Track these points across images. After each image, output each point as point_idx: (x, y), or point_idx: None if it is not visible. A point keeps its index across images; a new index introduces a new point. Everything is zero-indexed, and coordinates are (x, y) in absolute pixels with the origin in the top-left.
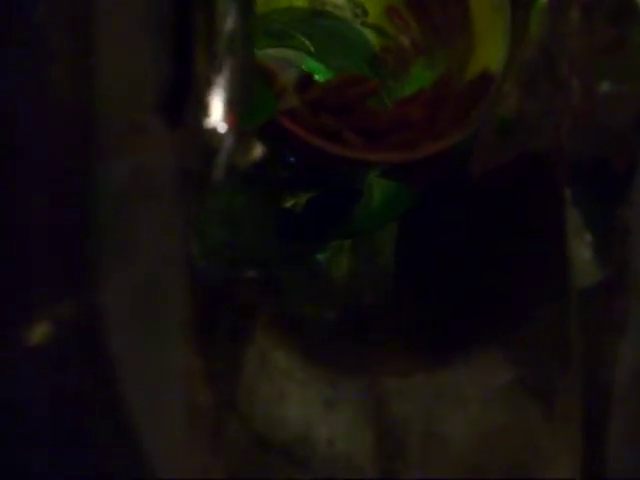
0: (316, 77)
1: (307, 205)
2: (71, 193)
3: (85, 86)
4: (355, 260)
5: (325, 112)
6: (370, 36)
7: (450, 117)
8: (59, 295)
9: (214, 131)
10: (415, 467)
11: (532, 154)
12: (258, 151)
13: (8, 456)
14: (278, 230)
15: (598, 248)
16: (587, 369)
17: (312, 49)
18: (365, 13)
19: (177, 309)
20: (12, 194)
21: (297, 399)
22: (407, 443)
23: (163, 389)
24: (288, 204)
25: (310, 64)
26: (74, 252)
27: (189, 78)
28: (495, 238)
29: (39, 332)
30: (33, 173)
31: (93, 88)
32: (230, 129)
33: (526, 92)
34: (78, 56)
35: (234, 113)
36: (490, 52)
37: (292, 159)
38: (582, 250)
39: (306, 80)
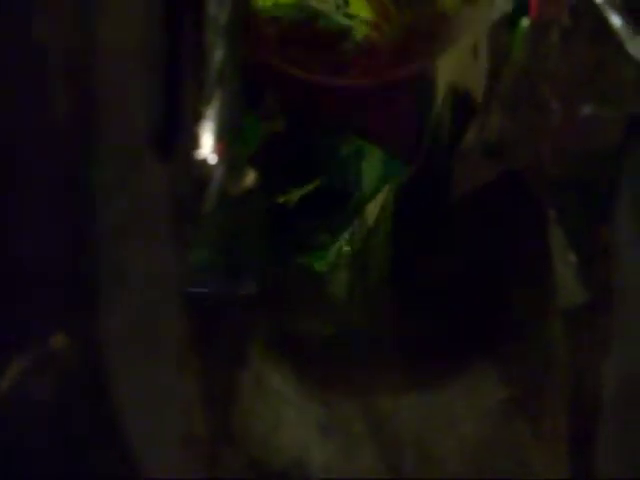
0: None
1: (299, 201)
2: (71, 225)
3: (85, 124)
4: (353, 277)
5: (295, 45)
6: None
7: (413, 47)
8: (59, 323)
9: (205, 162)
10: None
11: (514, 175)
12: (250, 178)
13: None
14: (274, 234)
15: (582, 268)
16: (574, 387)
17: None
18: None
19: (173, 336)
20: (15, 227)
21: (293, 422)
22: (401, 463)
23: (160, 414)
24: (280, 200)
25: None
26: (74, 282)
27: (180, 112)
28: (482, 259)
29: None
30: (35, 207)
31: (92, 125)
32: (220, 159)
33: (508, 114)
34: (78, 97)
35: (224, 143)
36: None
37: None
38: (566, 270)
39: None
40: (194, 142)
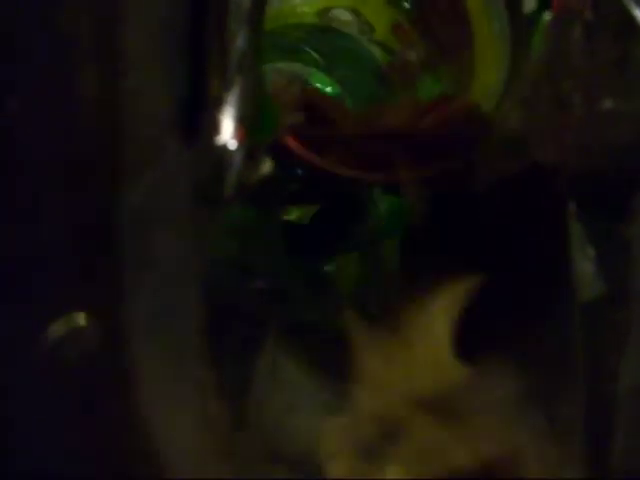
0: (325, 90)
1: (313, 218)
2: (93, 210)
3: (108, 105)
4: (362, 271)
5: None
6: (376, 52)
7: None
8: (82, 306)
9: (225, 148)
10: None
11: (535, 170)
12: (266, 167)
13: (18, 456)
14: (286, 244)
15: (600, 262)
16: (590, 380)
17: (320, 63)
18: (372, 29)
19: (191, 321)
20: (38, 209)
21: (305, 410)
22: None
23: (177, 398)
24: (293, 217)
25: (318, 77)
26: (96, 268)
27: (203, 97)
28: (499, 253)
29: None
30: (59, 189)
31: (116, 107)
32: (240, 146)
33: (529, 108)
34: (103, 77)
35: (243, 130)
36: (488, 77)
37: (299, 172)
38: (585, 264)
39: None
40: (215, 128)
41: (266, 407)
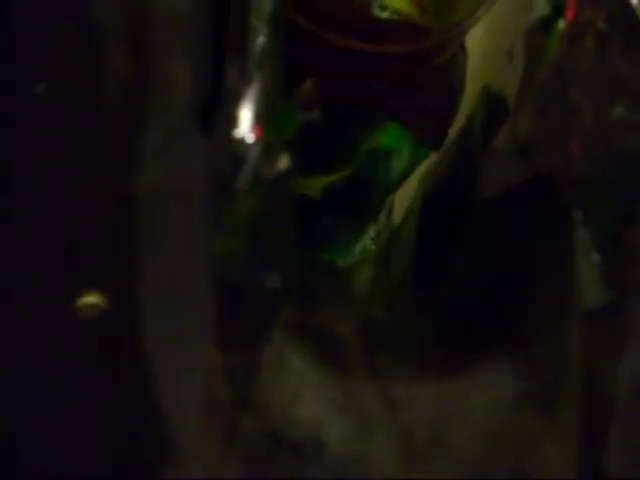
0: None
1: (324, 192)
2: (113, 187)
3: (132, 90)
4: (376, 271)
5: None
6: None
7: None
8: (96, 284)
9: (242, 141)
10: (421, 470)
11: (543, 175)
12: (284, 162)
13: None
14: (298, 225)
15: (605, 269)
16: (588, 384)
17: None
18: None
19: (202, 302)
20: (63, 189)
21: (310, 400)
22: (413, 447)
23: (185, 376)
24: (305, 191)
25: None
26: (114, 242)
27: (221, 90)
28: (505, 256)
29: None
30: (80, 170)
31: (139, 93)
32: (257, 140)
33: (540, 115)
34: (128, 63)
35: (261, 125)
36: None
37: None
38: (589, 270)
39: None
40: (233, 121)
41: (271, 394)
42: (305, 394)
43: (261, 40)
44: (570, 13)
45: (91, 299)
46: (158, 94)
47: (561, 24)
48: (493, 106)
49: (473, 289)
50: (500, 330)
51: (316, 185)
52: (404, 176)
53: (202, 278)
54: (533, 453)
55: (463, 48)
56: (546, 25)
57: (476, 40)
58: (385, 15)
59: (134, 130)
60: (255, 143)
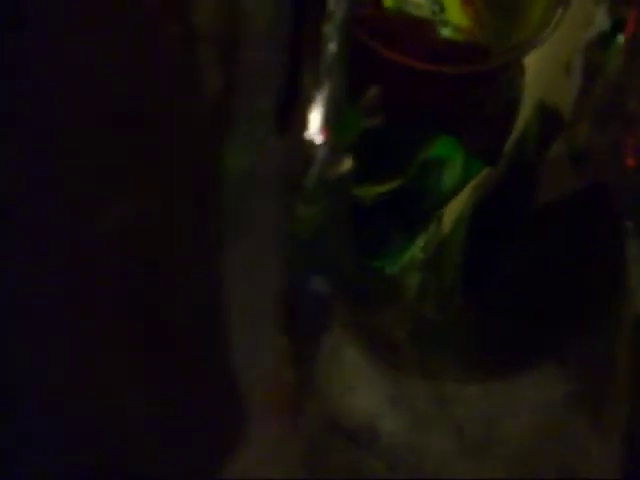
0: None
1: (377, 199)
2: (204, 171)
3: (227, 80)
4: (424, 277)
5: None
6: (446, 32)
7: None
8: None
9: (311, 142)
10: (470, 463)
11: (598, 185)
12: (347, 165)
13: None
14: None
15: None
16: (635, 386)
17: None
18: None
19: (273, 288)
20: (157, 168)
21: (364, 393)
22: (463, 441)
23: (255, 356)
24: (359, 194)
25: None
26: (202, 222)
27: (297, 92)
28: (558, 262)
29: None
30: (177, 154)
31: (228, 98)
32: (325, 141)
33: (597, 127)
34: (222, 73)
35: (328, 129)
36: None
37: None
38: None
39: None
40: (305, 123)
41: (329, 384)
42: (359, 386)
43: (332, 47)
44: (630, 29)
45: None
46: (243, 93)
47: (620, 40)
48: (548, 119)
49: (524, 294)
50: (550, 333)
51: (369, 194)
52: (457, 189)
53: (274, 266)
54: (580, 453)
55: (520, 64)
56: (605, 40)
57: (534, 55)
58: (447, 32)
59: (224, 129)
60: (323, 144)
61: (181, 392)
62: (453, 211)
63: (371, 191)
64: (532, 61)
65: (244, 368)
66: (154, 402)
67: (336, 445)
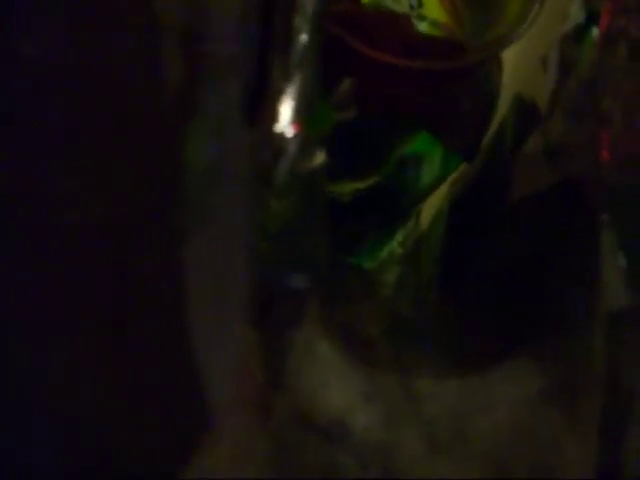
0: None
1: (355, 195)
2: (168, 160)
3: (189, 85)
4: (402, 271)
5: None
6: (423, 27)
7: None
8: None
9: (282, 134)
10: (442, 461)
11: (572, 180)
12: (320, 159)
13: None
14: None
15: (630, 273)
16: (610, 382)
17: None
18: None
19: (240, 281)
20: (121, 159)
21: (337, 388)
22: (436, 439)
23: (220, 348)
24: (336, 191)
25: None
26: (167, 212)
27: (266, 84)
28: (531, 257)
29: None
30: (140, 143)
31: (195, 86)
32: (296, 134)
33: (571, 122)
34: (187, 61)
35: (300, 122)
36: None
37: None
38: (614, 274)
39: None
40: (275, 115)
41: (300, 377)
42: (332, 382)
43: (303, 39)
44: (604, 22)
45: None
46: (209, 82)
47: (595, 33)
48: (525, 113)
49: (500, 288)
50: (525, 329)
51: (347, 190)
52: (434, 185)
53: (242, 259)
54: (553, 449)
55: (498, 58)
56: (580, 34)
57: (511, 49)
58: (423, 26)
59: (189, 119)
60: (294, 137)
61: (146, 383)
62: (431, 206)
63: (349, 187)
64: (509, 56)
65: (210, 361)
66: (119, 395)
67: (308, 442)
